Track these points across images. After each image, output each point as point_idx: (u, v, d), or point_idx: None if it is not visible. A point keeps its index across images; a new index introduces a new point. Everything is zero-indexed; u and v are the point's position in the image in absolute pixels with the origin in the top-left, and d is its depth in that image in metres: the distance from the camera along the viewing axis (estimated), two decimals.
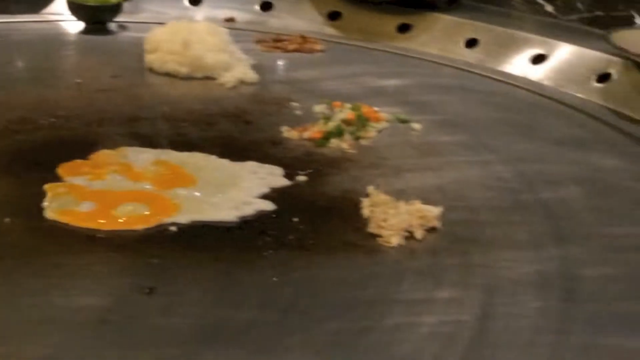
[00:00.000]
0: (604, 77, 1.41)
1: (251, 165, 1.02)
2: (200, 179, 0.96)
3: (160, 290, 0.75)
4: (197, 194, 0.93)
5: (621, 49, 1.36)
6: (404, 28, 1.64)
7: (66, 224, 0.85)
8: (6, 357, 0.65)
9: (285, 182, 0.98)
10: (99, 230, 0.84)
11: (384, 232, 0.87)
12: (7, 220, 0.85)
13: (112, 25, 1.54)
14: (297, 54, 1.50)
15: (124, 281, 0.77)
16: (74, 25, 1.54)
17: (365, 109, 1.20)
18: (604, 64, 1.42)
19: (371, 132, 1.15)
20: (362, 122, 1.16)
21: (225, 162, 1.02)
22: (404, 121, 1.21)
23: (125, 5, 1.56)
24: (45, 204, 0.88)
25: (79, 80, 1.28)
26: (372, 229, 0.88)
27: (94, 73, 1.31)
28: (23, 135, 1.05)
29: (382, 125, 1.18)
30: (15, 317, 0.71)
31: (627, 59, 1.38)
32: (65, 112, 1.13)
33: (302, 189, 0.98)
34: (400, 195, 0.96)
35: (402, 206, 0.91)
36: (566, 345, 0.73)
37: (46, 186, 0.91)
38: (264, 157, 1.04)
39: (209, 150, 1.04)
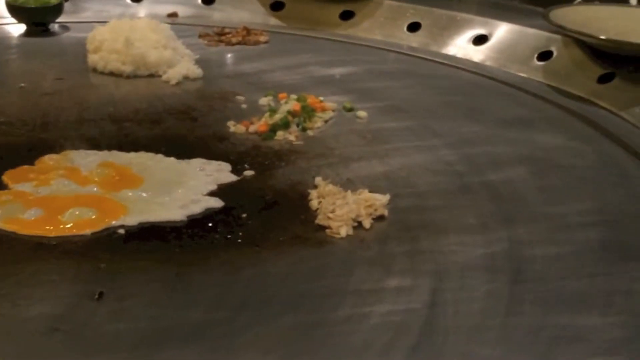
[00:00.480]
0: (545, 55, 1.43)
1: (198, 162, 1.02)
2: (147, 179, 0.96)
3: (110, 295, 0.75)
4: (144, 194, 0.93)
5: (560, 26, 1.37)
6: (346, 15, 1.65)
7: (13, 233, 0.84)
8: None
9: (232, 177, 0.99)
10: (46, 237, 0.84)
11: (332, 224, 0.88)
12: None
13: (54, 26, 1.53)
14: (241, 47, 1.50)
15: (73, 288, 0.76)
16: (15, 28, 1.52)
17: (310, 99, 1.21)
18: (544, 42, 1.44)
19: (317, 122, 1.16)
20: (307, 112, 1.16)
21: (172, 161, 1.02)
22: (349, 109, 1.22)
23: (66, 5, 1.55)
24: None
25: (22, 85, 1.27)
26: (320, 220, 0.89)
27: (38, 76, 1.30)
28: None
29: (328, 114, 1.19)
30: None
31: (567, 36, 1.40)
32: (9, 118, 1.12)
33: (250, 183, 0.98)
34: (349, 184, 0.97)
35: (350, 196, 0.92)
36: (516, 326, 0.74)
37: None
38: (210, 154, 1.04)
39: (155, 149, 1.04)
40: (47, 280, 0.77)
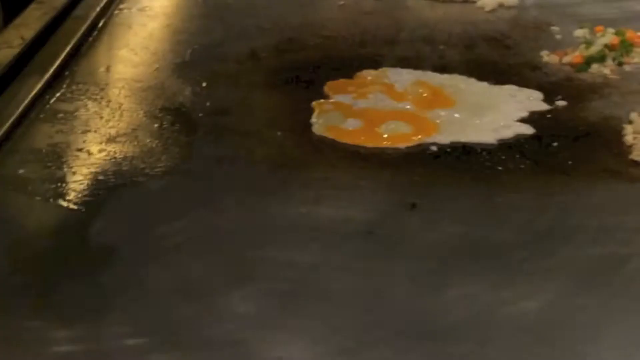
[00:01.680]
0: None
1: (510, 88, 1.02)
2: (459, 101, 0.98)
3: (422, 207, 0.78)
4: (456, 115, 0.95)
5: None
6: None
7: (333, 140, 0.89)
8: (278, 260, 0.70)
9: (544, 106, 0.98)
10: (363, 147, 0.88)
11: None
12: (279, 133, 0.90)
13: None
14: None
15: (388, 196, 0.80)
16: None
17: (629, 34, 1.16)
18: None
19: (635, 58, 1.12)
20: (625, 47, 1.13)
21: (484, 85, 1.03)
22: None
23: None
24: (313, 120, 0.93)
25: (342, 2, 1.32)
26: (635, 156, 0.87)
27: None
28: (292, 55, 1.10)
29: None
30: (288, 224, 0.75)
31: None
32: (330, 33, 1.18)
33: (561, 113, 0.97)
34: None
35: None
36: None
37: (314, 103, 0.96)
38: (523, 81, 1.04)
39: (467, 73, 1.06)
40: (364, 187, 0.81)
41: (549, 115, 0.96)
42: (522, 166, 0.85)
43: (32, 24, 1.10)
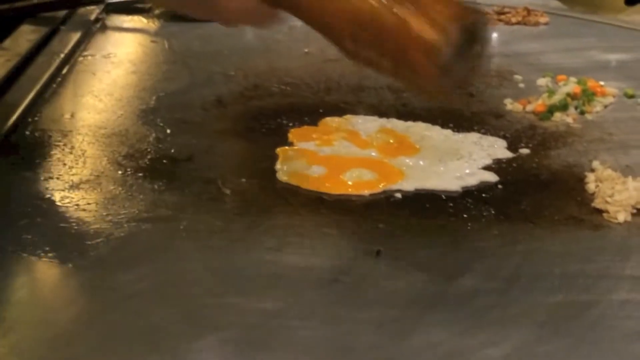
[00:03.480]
0: None
1: (474, 136, 1.03)
2: (423, 148, 0.99)
3: (386, 254, 0.78)
4: (421, 162, 0.95)
5: None
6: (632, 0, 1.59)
7: (297, 186, 0.89)
8: (241, 307, 0.70)
9: (508, 154, 0.99)
10: (327, 194, 0.88)
11: (610, 208, 0.86)
12: (243, 180, 0.90)
13: None
14: (520, 27, 1.49)
15: (353, 243, 0.80)
16: None
17: (590, 83, 1.18)
18: None
19: (597, 107, 1.14)
20: (587, 96, 1.14)
21: (448, 133, 1.04)
22: (631, 96, 1.18)
23: None
24: (278, 166, 0.93)
25: (307, 50, 1.33)
26: (597, 204, 0.87)
27: (322, 43, 1.35)
28: (257, 102, 1.11)
29: (608, 100, 1.16)
30: (252, 271, 0.75)
31: None
32: (295, 80, 1.18)
33: (525, 161, 0.98)
34: (627, 171, 0.94)
35: (631, 182, 0.89)
36: None
37: (278, 150, 0.96)
38: (487, 129, 1.05)
39: (431, 120, 1.06)
40: (328, 234, 0.81)
41: (513, 163, 0.97)
42: (486, 213, 0.85)
43: None
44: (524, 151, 1.00)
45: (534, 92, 1.17)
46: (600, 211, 0.87)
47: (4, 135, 0.95)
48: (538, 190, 0.91)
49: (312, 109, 1.09)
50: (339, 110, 1.09)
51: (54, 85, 1.14)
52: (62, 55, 1.21)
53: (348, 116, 1.07)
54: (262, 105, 1.10)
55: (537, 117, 1.10)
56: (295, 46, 1.38)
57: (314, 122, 1.05)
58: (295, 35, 1.44)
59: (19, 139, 0.96)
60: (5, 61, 1.13)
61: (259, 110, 1.08)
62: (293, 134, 1.01)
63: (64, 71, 1.19)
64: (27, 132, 0.97)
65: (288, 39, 1.42)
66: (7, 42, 1.21)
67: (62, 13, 1.32)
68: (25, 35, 1.27)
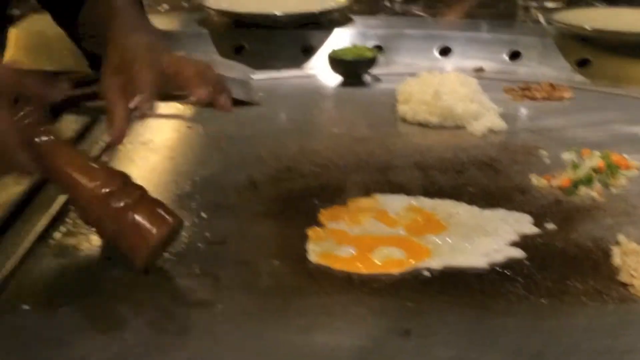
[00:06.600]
0: None
1: (500, 212, 1.05)
2: (450, 226, 1.01)
3: (415, 332, 0.80)
4: (448, 240, 0.97)
5: None
6: None
7: (327, 267, 0.92)
8: None
9: (534, 230, 1.01)
10: (357, 274, 0.90)
11: (635, 282, 0.88)
12: (275, 262, 0.93)
13: (367, 78, 1.62)
14: (545, 102, 1.52)
15: (381, 323, 0.82)
16: (332, 78, 1.64)
17: (615, 157, 1.20)
18: None
19: (621, 180, 1.15)
20: (612, 170, 1.16)
21: (474, 209, 1.06)
22: None
23: (380, 58, 1.64)
24: (309, 247, 0.96)
25: (336, 130, 1.37)
26: (623, 277, 0.89)
27: (351, 124, 1.40)
28: (288, 184, 1.14)
29: (633, 173, 1.18)
30: (281, 351, 0.78)
31: None
32: (324, 161, 1.21)
33: (551, 236, 1.00)
34: None
35: None
36: None
37: (309, 231, 0.99)
38: (513, 205, 1.07)
39: (458, 198, 1.09)
40: (356, 314, 0.84)
41: (539, 239, 0.99)
42: (512, 289, 0.87)
43: None
44: (550, 226, 1.02)
45: (559, 166, 1.19)
46: (625, 285, 0.88)
47: (46, 225, 0.99)
48: (564, 265, 0.93)
49: (341, 189, 1.12)
50: (367, 189, 1.11)
51: None
52: (101, 144, 1.25)
53: (376, 195, 1.09)
54: (293, 187, 1.13)
55: (563, 192, 1.12)
56: (325, 127, 1.42)
57: (343, 201, 1.07)
58: (324, 116, 1.49)
59: (62, 227, 1.00)
60: None
61: (290, 191, 1.12)
62: (323, 215, 1.04)
63: (105, 159, 1.23)
64: (69, 221, 1.01)
65: (317, 120, 1.46)
66: None
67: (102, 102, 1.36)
68: (69, 124, 1.32)
